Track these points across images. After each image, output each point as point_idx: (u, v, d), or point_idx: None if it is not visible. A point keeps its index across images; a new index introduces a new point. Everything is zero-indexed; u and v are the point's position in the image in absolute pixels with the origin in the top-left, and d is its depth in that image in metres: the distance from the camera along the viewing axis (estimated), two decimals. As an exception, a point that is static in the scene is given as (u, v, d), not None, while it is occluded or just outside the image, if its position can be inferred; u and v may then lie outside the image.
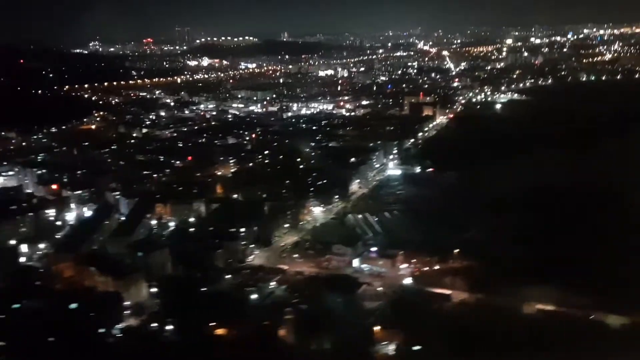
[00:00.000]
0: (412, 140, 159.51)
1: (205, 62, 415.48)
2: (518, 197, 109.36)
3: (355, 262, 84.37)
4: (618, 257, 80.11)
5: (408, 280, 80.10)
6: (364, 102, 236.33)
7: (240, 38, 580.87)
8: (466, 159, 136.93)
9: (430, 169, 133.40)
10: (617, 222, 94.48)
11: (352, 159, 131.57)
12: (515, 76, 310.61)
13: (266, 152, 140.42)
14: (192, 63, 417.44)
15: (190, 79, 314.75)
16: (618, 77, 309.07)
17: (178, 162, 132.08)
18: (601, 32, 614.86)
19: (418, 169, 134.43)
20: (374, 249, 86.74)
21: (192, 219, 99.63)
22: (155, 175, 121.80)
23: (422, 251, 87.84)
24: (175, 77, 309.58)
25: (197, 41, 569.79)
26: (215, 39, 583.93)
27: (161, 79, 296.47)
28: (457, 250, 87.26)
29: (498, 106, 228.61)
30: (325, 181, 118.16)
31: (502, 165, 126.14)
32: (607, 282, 73.43)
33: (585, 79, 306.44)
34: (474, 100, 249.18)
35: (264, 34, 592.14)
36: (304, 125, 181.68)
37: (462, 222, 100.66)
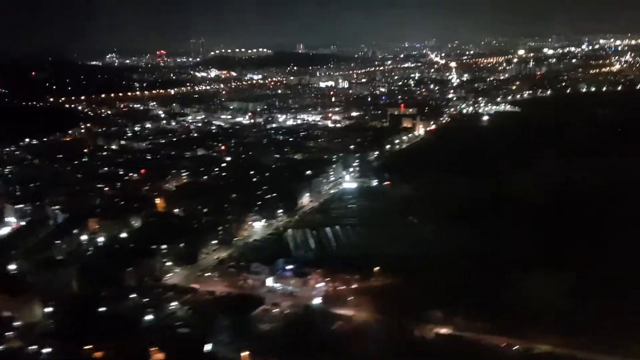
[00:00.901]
0: (380, 152, 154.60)
1: (213, 73, 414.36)
2: (465, 212, 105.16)
3: (269, 282, 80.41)
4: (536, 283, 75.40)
5: (317, 300, 75.84)
6: (354, 114, 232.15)
7: (255, 50, 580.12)
8: (427, 171, 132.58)
9: (387, 182, 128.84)
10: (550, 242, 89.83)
11: (309, 172, 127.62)
12: (514, 87, 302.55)
13: (225, 164, 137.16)
14: (201, 74, 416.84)
15: (191, 90, 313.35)
16: (619, 87, 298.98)
17: (135, 175, 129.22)
18: (617, 42, 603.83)
19: (375, 182, 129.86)
20: (289, 267, 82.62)
21: (123, 235, 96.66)
22: (106, 189, 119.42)
23: (346, 268, 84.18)
24: (176, 89, 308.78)
25: (212, 53, 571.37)
26: (229, 50, 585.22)
27: (161, 91, 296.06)
28: (378, 267, 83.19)
29: (484, 118, 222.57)
30: (275, 195, 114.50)
31: (460, 180, 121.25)
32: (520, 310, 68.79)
33: (585, 90, 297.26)
34: (464, 111, 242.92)
35: (280, 46, 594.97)
36: (280, 137, 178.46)
37: (398, 237, 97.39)
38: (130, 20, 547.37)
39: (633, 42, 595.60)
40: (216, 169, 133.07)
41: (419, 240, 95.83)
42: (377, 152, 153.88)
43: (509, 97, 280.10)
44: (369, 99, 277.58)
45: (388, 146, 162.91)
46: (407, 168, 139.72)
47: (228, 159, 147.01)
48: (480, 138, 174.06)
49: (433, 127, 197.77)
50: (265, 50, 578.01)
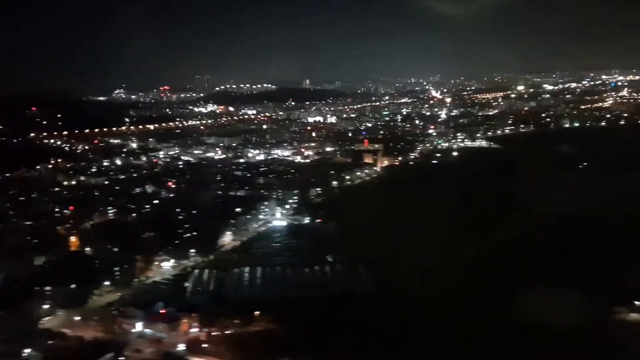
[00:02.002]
0: (326, 188, 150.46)
1: (210, 108, 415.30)
2: (384, 253, 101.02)
3: (139, 326, 76.21)
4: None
5: (181, 347, 71.51)
6: (328, 149, 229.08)
7: (259, 85, 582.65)
8: (364, 209, 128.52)
9: (319, 220, 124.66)
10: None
11: (240, 209, 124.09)
12: (497, 123, 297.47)
13: (158, 201, 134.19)
14: (198, 109, 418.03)
15: (179, 125, 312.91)
16: (602, 123, 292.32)
17: (66, 211, 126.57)
18: (620, 78, 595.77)
19: (307, 220, 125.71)
20: (163, 311, 78.49)
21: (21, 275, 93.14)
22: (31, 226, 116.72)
23: (232, 312, 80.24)
24: (164, 124, 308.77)
25: (217, 88, 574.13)
26: (234, 86, 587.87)
27: (148, 126, 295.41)
28: (258, 312, 79.12)
29: (454, 154, 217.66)
30: (195, 233, 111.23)
31: (393, 218, 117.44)
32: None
33: (568, 125, 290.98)
34: (439, 147, 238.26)
35: (287, 82, 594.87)
36: (238, 173, 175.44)
37: (305, 278, 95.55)
38: (140, 57, 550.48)
39: (636, 77, 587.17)
40: (148, 206, 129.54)
41: (326, 282, 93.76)
42: (323, 189, 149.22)
43: (490, 133, 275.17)
44: (350, 134, 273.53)
45: (336, 182, 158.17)
46: (346, 205, 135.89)
47: (170, 195, 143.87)
48: (433, 175, 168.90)
49: (394, 163, 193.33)
50: (269, 85, 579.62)
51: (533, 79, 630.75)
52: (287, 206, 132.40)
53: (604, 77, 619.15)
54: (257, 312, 78.96)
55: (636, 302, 79.00)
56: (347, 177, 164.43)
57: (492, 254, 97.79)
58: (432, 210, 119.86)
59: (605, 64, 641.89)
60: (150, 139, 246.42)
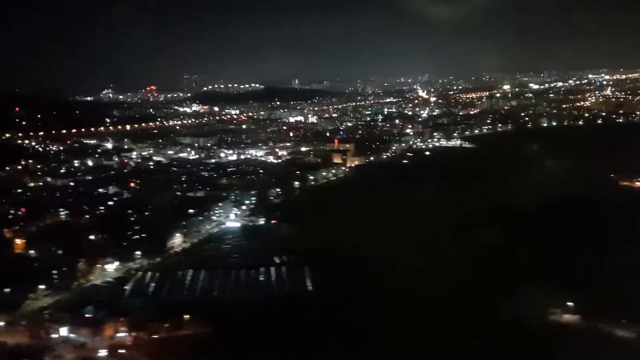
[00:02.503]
0: (288, 188, 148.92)
1: (194, 108, 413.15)
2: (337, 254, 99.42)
3: (64, 331, 74.52)
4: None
5: (103, 352, 69.90)
6: (303, 149, 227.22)
7: (247, 85, 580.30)
8: (322, 209, 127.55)
9: (274, 221, 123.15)
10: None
11: (194, 210, 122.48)
12: (476, 122, 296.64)
13: (113, 202, 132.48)
14: (183, 109, 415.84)
15: (159, 125, 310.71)
16: (580, 122, 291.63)
17: (19, 213, 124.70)
18: (607, 77, 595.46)
19: (261, 221, 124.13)
20: (89, 315, 76.88)
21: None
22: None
23: (165, 316, 78.72)
24: (144, 124, 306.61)
25: (205, 88, 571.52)
26: (222, 86, 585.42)
27: (127, 126, 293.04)
28: (189, 316, 77.65)
29: (426, 153, 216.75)
30: (144, 235, 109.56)
31: (350, 219, 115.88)
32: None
33: (545, 124, 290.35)
34: (413, 146, 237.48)
35: (276, 82, 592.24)
36: (205, 173, 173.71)
37: (250, 281, 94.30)
38: (129, 57, 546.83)
39: (623, 76, 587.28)
40: (102, 208, 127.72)
41: (268, 285, 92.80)
42: (284, 189, 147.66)
43: (467, 132, 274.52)
44: (328, 134, 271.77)
45: (299, 183, 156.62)
46: (304, 206, 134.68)
47: (129, 196, 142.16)
48: (398, 175, 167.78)
49: (362, 162, 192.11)
50: (257, 85, 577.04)
51: (521, 79, 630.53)
52: (244, 207, 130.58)
53: (590, 76, 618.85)
54: (186, 316, 76.91)
55: (569, 304, 77.48)
56: (312, 177, 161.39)
57: (437, 254, 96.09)
58: (388, 210, 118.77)
59: (593, 64, 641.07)
60: (126, 140, 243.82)
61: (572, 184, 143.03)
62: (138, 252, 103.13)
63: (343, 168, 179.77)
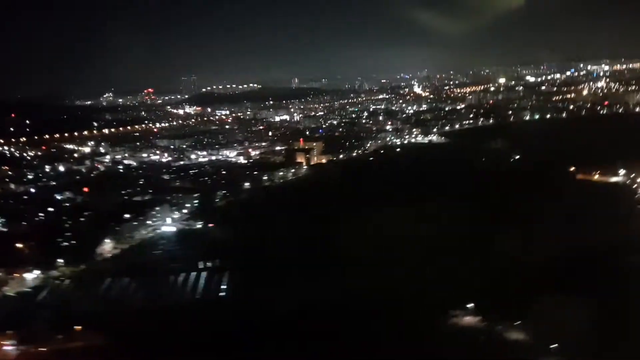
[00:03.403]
0: (236, 190, 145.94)
1: (187, 110, 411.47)
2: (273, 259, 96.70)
3: (-52, 345, 72.21)
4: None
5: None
6: (277, 148, 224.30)
7: (245, 86, 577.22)
8: (266, 212, 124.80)
9: (211, 225, 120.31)
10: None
11: (131, 215, 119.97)
12: (458, 117, 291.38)
13: (53, 208, 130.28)
14: (177, 111, 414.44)
15: (144, 128, 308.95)
16: (563, 115, 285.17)
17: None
18: (606, 68, 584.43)
19: (199, 225, 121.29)
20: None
21: None
22: None
23: (66, 327, 76.33)
24: (129, 127, 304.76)
25: (203, 90, 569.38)
26: (220, 87, 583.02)
27: (111, 130, 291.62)
28: (80, 326, 75.08)
29: (397, 150, 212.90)
30: (74, 242, 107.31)
31: (293, 222, 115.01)
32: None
33: (527, 118, 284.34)
34: (389, 143, 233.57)
35: (273, 81, 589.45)
36: (166, 176, 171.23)
37: (170, 288, 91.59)
38: (131, 60, 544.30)
39: (622, 67, 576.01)
40: (42, 214, 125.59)
41: (186, 290, 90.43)
42: (233, 191, 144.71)
43: (447, 128, 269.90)
44: (307, 132, 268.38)
45: (250, 184, 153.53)
46: (248, 208, 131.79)
47: (78, 201, 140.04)
48: (356, 173, 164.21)
49: (326, 161, 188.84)
50: (255, 85, 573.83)
51: (520, 71, 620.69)
52: (185, 210, 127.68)
53: (589, 67, 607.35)
54: (78, 327, 74.29)
55: (469, 305, 74.00)
56: (268, 177, 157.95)
57: (357, 257, 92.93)
58: (332, 213, 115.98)
59: (595, 54, 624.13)
60: (104, 143, 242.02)
61: (520, 177, 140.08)
62: (62, 260, 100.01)
63: (304, 167, 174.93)
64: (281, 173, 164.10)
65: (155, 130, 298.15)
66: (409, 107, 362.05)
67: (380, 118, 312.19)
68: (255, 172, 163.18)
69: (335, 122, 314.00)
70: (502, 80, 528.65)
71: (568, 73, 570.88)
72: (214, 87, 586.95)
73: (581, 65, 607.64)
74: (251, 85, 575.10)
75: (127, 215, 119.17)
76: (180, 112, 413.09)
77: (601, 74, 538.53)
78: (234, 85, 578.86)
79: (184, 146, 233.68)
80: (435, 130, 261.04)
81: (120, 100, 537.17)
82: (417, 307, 75.90)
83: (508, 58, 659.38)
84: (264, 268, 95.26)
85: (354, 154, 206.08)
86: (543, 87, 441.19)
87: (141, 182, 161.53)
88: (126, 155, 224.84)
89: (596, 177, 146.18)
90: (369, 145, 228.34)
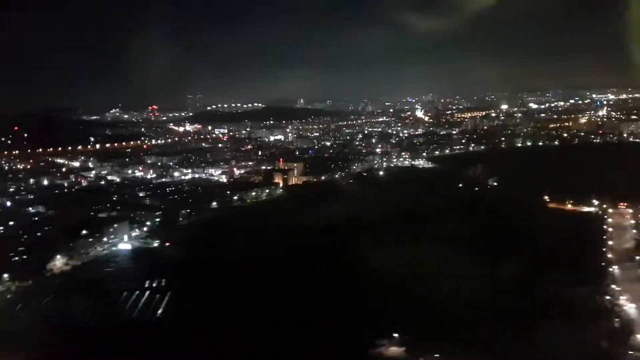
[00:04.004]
0: (201, 209, 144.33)
1: (187, 128, 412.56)
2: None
3: None
4: None
5: None
6: (263, 167, 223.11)
7: (249, 105, 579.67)
8: (225, 232, 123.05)
9: (168, 243, 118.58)
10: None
11: (87, 231, 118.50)
12: (449, 142, 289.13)
13: (14, 222, 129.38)
14: (177, 129, 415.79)
15: (137, 144, 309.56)
16: (556, 142, 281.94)
17: None
18: (611, 96, 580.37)
19: (156, 243, 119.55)
20: None
21: None
22: None
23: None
24: (125, 143, 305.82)
25: (208, 107, 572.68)
26: (226, 105, 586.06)
27: (107, 145, 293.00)
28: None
29: (380, 173, 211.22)
30: (25, 257, 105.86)
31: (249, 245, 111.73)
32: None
33: (520, 144, 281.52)
34: (375, 165, 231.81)
35: (279, 100, 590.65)
36: (142, 193, 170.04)
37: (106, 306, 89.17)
38: (140, 77, 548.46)
39: (626, 96, 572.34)
40: (1, 228, 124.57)
41: (124, 309, 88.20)
42: (198, 210, 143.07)
43: (437, 152, 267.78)
44: (297, 153, 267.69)
45: (217, 204, 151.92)
46: (209, 228, 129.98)
47: (46, 215, 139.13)
48: (327, 194, 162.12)
49: (303, 182, 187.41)
50: (258, 104, 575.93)
51: (526, 98, 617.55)
52: (146, 228, 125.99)
53: (594, 96, 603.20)
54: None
55: (395, 335, 71.43)
56: (238, 197, 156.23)
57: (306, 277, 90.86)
58: (287, 236, 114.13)
59: (603, 83, 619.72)
60: (93, 159, 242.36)
61: (488, 203, 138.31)
62: (9, 275, 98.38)
63: (280, 188, 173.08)
64: (253, 193, 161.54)
65: (145, 147, 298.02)
66: (405, 131, 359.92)
67: (373, 141, 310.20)
68: (228, 192, 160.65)
69: (328, 144, 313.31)
70: (504, 107, 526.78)
71: (572, 101, 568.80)
72: (219, 105, 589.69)
73: (587, 93, 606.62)
74: (255, 104, 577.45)
75: (85, 232, 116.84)
76: (180, 129, 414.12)
77: (604, 102, 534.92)
78: (238, 104, 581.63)
79: (171, 163, 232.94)
80: (424, 154, 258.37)
81: (126, 116, 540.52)
82: (344, 335, 73.44)
83: (516, 85, 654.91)
84: (207, 289, 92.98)
85: (336, 176, 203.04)
86: (542, 115, 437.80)
87: (114, 199, 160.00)
88: (112, 170, 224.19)
89: (569, 206, 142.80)
90: (354, 167, 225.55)
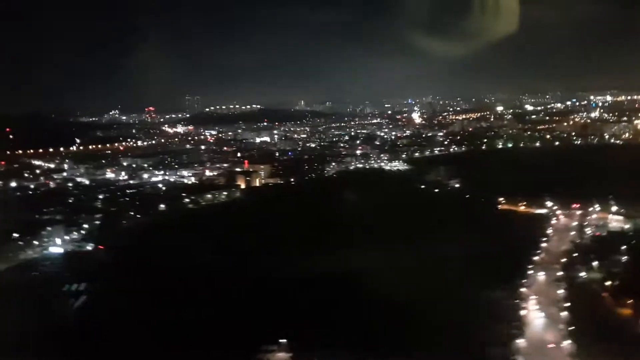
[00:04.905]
0: (147, 212, 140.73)
1: (178, 130, 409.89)
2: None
3: None
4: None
5: None
6: (237, 169, 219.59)
7: (247, 107, 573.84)
8: (165, 235, 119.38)
9: (100, 247, 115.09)
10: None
11: (17, 235, 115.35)
12: (432, 143, 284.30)
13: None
14: (169, 130, 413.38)
15: (115, 147, 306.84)
16: (537, 144, 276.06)
17: None
18: (609, 98, 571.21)
19: (89, 247, 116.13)
20: None
21: None
22: None
23: None
24: (109, 144, 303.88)
25: (207, 109, 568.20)
26: (224, 107, 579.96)
27: (89, 147, 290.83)
28: None
29: (351, 175, 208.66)
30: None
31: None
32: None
33: (501, 146, 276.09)
34: (351, 167, 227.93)
35: (279, 103, 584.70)
36: (101, 195, 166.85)
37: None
38: (140, 78, 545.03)
39: (622, 98, 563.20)
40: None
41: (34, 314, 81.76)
42: (144, 213, 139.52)
43: (417, 154, 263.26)
44: (277, 154, 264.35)
45: (165, 206, 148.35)
46: (150, 231, 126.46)
47: None
48: (283, 196, 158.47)
49: (262, 185, 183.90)
50: (257, 106, 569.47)
51: (527, 100, 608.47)
52: (84, 231, 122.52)
53: (592, 97, 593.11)
54: None
55: (282, 340, 67.54)
56: (192, 199, 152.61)
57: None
58: (226, 241, 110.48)
59: (606, 85, 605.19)
60: (68, 160, 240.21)
61: (442, 205, 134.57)
62: None
63: (239, 190, 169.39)
64: (209, 196, 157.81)
65: (123, 148, 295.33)
66: (393, 133, 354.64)
67: (358, 142, 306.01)
68: (184, 194, 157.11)
69: (313, 145, 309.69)
70: (499, 108, 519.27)
71: (568, 103, 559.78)
72: (217, 107, 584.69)
73: (590, 95, 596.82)
74: (253, 106, 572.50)
75: (16, 235, 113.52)
76: (171, 131, 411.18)
77: (600, 104, 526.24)
78: (237, 106, 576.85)
79: (146, 165, 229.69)
80: (404, 156, 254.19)
81: (124, 117, 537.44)
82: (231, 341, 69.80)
83: (518, 86, 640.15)
84: (122, 294, 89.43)
85: (306, 178, 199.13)
86: (534, 116, 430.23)
87: (70, 201, 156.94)
88: (86, 172, 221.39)
89: (521, 208, 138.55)
90: (328, 169, 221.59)
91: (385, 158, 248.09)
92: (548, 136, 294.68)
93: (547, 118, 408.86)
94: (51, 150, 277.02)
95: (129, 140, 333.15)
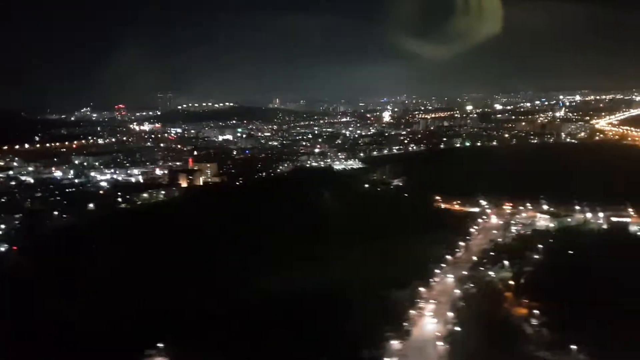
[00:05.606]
0: (76, 212, 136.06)
1: (145, 127, 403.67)
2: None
3: None
4: None
5: None
6: (189, 167, 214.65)
7: (222, 104, 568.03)
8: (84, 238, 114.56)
9: (14, 248, 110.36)
10: None
11: None
12: (389, 142, 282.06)
13: None
14: (135, 128, 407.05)
15: (84, 143, 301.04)
16: (494, 142, 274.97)
17: None
18: (578, 98, 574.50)
19: (3, 248, 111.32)
20: None
21: None
22: None
23: None
24: (67, 142, 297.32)
25: (179, 107, 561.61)
26: (197, 105, 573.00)
27: (46, 145, 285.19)
28: None
29: (298, 173, 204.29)
30: None
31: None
32: None
33: (459, 144, 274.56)
34: (307, 165, 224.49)
35: (252, 101, 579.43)
36: (38, 194, 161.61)
37: None
38: (111, 75, 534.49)
39: (590, 97, 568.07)
40: None
41: None
42: (74, 212, 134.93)
43: (375, 153, 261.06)
44: (234, 153, 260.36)
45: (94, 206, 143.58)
46: (71, 232, 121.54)
47: None
48: (222, 195, 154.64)
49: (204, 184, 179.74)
50: (231, 104, 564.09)
51: (497, 99, 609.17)
52: (1, 232, 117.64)
53: (561, 97, 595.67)
54: None
55: (159, 344, 64.07)
56: (127, 199, 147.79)
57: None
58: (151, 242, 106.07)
59: (578, 85, 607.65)
60: (18, 158, 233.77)
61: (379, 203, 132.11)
62: None
63: (178, 190, 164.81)
64: (145, 195, 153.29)
65: (79, 146, 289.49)
66: (358, 131, 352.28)
67: (320, 141, 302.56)
68: (119, 193, 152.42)
69: (275, 143, 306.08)
70: (469, 107, 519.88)
71: (537, 102, 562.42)
72: (190, 104, 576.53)
73: (560, 95, 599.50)
74: (227, 104, 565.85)
75: None
76: (138, 128, 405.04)
77: (567, 104, 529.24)
78: (209, 104, 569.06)
79: (96, 164, 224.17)
80: (361, 154, 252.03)
81: (95, 115, 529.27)
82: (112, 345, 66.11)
83: (493, 86, 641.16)
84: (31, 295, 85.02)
85: (255, 177, 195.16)
86: (499, 115, 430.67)
87: (2, 200, 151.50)
88: (34, 171, 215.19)
89: (456, 206, 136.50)
90: (281, 168, 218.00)
91: (342, 157, 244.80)
92: (506, 135, 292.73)
93: (513, 117, 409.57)
94: (5, 148, 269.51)
95: (90, 138, 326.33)
